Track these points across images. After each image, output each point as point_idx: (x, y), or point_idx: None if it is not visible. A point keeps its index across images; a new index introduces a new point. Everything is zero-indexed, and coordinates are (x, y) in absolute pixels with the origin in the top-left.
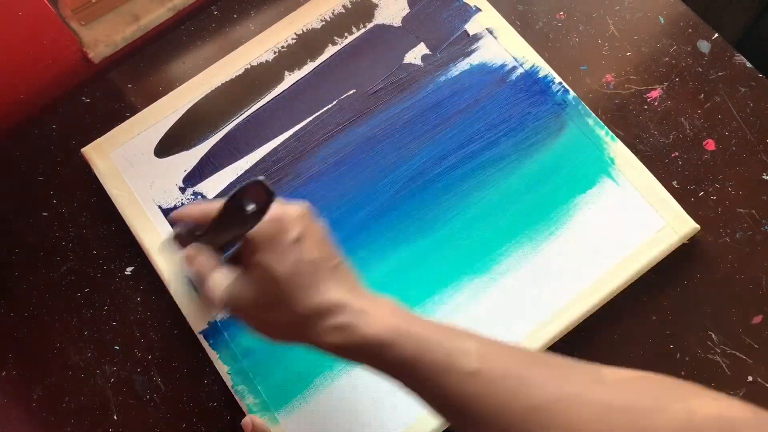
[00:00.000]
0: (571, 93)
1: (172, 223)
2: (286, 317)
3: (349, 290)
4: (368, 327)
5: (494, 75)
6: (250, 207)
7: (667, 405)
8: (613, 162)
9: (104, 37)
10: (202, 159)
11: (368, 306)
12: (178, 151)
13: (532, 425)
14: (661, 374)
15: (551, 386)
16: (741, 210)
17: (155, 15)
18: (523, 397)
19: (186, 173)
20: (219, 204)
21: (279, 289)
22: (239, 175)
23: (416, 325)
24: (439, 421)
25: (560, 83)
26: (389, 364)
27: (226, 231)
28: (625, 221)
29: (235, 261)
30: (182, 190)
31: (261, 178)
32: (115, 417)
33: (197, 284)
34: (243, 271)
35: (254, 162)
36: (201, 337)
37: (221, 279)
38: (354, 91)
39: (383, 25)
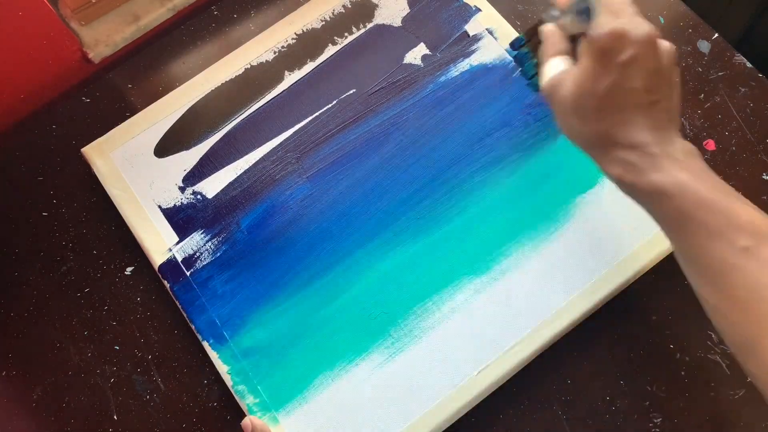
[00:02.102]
0: None
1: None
2: (584, 127)
3: (652, 131)
4: (653, 174)
5: (494, 75)
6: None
7: None
8: None
9: (104, 37)
10: (202, 159)
11: (663, 153)
12: (178, 151)
13: None
14: None
15: None
16: None
17: (155, 15)
18: None
19: (186, 173)
20: None
21: (590, 102)
22: (239, 174)
23: (703, 183)
24: (439, 421)
25: None
26: (663, 214)
27: (572, 23)
28: (625, 221)
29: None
30: (182, 189)
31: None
32: (115, 417)
33: (540, 62)
34: (573, 67)
35: (254, 162)
36: (201, 337)
37: (552, 67)
38: (354, 91)
39: (383, 25)
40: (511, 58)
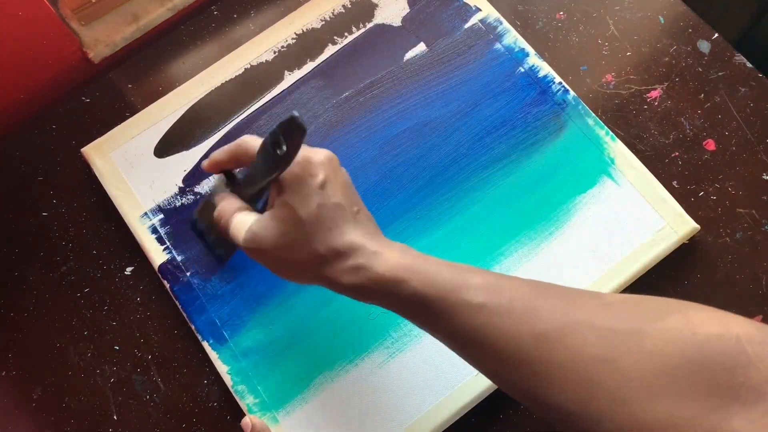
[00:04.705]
0: (571, 93)
1: (205, 170)
2: (305, 257)
3: (366, 234)
4: (380, 266)
5: (494, 74)
6: (284, 147)
7: (669, 323)
8: (613, 162)
9: (104, 37)
10: (202, 159)
11: (382, 248)
12: (178, 151)
13: (538, 351)
14: (660, 297)
15: (556, 314)
16: (741, 210)
17: (155, 15)
18: (530, 326)
19: (186, 173)
20: (250, 146)
21: (301, 230)
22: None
23: (426, 263)
24: (439, 421)
25: (560, 83)
26: (400, 301)
27: (260, 174)
28: (625, 221)
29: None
30: (182, 189)
31: (295, 113)
32: (115, 417)
33: (222, 229)
34: (268, 211)
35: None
36: (201, 337)
37: (245, 218)
38: (353, 90)
39: (383, 25)
40: (512, 57)
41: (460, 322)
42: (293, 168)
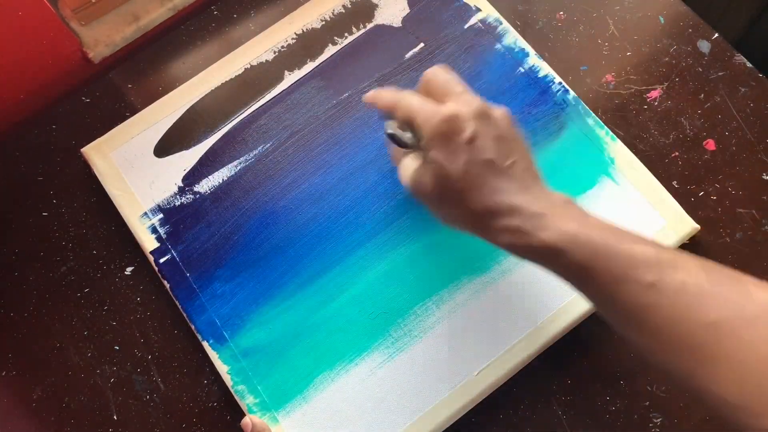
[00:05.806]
0: (571, 93)
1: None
2: (460, 212)
3: (523, 192)
4: (542, 232)
5: (493, 75)
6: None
7: None
8: (613, 162)
9: (104, 37)
10: (201, 158)
11: (543, 209)
12: (177, 151)
13: (707, 340)
14: None
15: (730, 304)
16: (741, 210)
17: (155, 15)
18: (701, 313)
19: (186, 173)
20: (402, 105)
21: (452, 187)
22: (239, 174)
23: (593, 231)
24: (439, 421)
25: (560, 83)
26: (563, 269)
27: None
28: (625, 221)
29: None
30: (182, 189)
31: (388, 130)
32: (115, 417)
33: (395, 165)
34: (426, 162)
35: (254, 161)
36: (201, 337)
37: (409, 164)
38: (353, 91)
39: (383, 25)
40: (512, 57)
41: (624, 299)
42: (441, 125)
